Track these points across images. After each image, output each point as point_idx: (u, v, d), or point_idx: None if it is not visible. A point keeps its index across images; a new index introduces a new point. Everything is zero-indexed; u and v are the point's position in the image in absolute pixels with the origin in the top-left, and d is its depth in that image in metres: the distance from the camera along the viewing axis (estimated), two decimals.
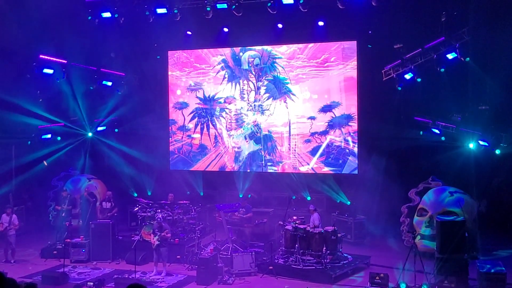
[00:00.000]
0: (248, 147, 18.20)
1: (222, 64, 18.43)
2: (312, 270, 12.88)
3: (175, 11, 16.09)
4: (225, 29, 17.68)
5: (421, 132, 15.81)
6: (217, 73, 18.50)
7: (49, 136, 18.56)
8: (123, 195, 17.83)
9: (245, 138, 18.21)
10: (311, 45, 17.31)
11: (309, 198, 17.24)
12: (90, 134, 19.18)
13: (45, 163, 18.30)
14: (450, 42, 14.48)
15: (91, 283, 12.21)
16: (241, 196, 17.54)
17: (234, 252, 13.56)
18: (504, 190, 15.46)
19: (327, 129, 17.25)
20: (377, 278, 11.88)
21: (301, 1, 14.96)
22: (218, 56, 18.47)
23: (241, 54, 18.18)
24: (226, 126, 18.50)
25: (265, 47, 17.86)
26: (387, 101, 16.06)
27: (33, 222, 17.64)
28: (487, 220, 14.47)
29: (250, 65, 18.07)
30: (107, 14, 16.44)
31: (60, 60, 17.17)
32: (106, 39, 17.17)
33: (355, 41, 16.80)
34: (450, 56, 14.51)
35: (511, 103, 14.04)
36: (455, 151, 15.04)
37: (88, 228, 15.06)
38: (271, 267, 13.11)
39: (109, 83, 18.52)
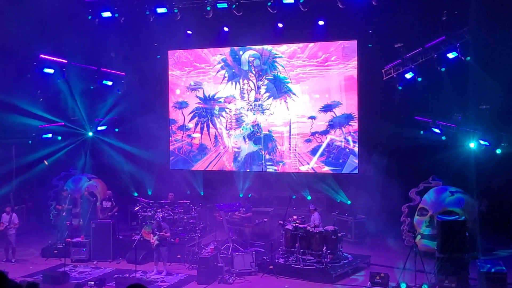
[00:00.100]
0: (247, 148, 18.20)
1: (222, 64, 18.43)
2: (312, 270, 12.88)
3: (175, 10, 16.09)
4: (225, 29, 17.67)
5: (421, 132, 15.79)
6: (217, 72, 18.50)
7: (49, 135, 18.56)
8: (124, 194, 17.83)
9: (244, 139, 18.21)
10: (311, 44, 17.30)
11: (309, 198, 17.23)
12: (90, 134, 19.18)
13: (45, 162, 18.31)
14: (450, 42, 14.47)
15: (92, 283, 12.24)
16: (241, 195, 17.53)
17: (234, 252, 13.57)
18: (504, 190, 15.45)
19: (328, 129, 17.24)
20: (378, 277, 11.89)
21: (301, 1, 14.93)
22: (218, 55, 18.47)
23: (241, 53, 18.18)
24: (226, 125, 18.50)
25: (265, 46, 17.85)
26: (388, 100, 16.04)
27: (33, 222, 17.63)
28: (488, 220, 14.45)
29: (250, 64, 18.06)
30: (107, 14, 16.43)
31: (61, 60, 17.16)
32: (106, 38, 17.15)
33: (356, 41, 16.79)
34: (450, 55, 14.50)
35: None
36: (456, 151, 15.03)
37: (89, 228, 15.07)
38: (271, 267, 13.11)
39: (109, 83, 18.51)
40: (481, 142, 14.60)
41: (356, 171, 16.96)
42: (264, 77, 17.93)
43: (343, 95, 17.04)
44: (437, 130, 15.49)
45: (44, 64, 17.00)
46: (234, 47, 18.16)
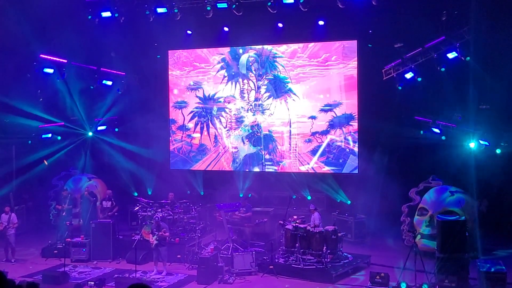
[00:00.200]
0: (246, 149, 18.18)
1: (222, 63, 18.42)
2: (312, 270, 12.88)
3: (175, 10, 16.10)
4: (225, 29, 17.68)
5: (421, 132, 15.80)
6: (217, 72, 18.50)
7: (49, 135, 18.56)
8: (124, 194, 17.83)
9: (242, 140, 18.20)
10: (311, 44, 17.31)
11: (309, 198, 17.23)
12: (90, 134, 19.18)
13: (45, 162, 18.30)
14: (450, 42, 14.47)
15: (92, 283, 12.22)
16: (241, 195, 17.52)
17: (234, 252, 13.56)
18: (504, 190, 15.44)
19: (328, 129, 17.24)
20: (378, 277, 11.87)
21: (301, 1, 14.95)
22: (218, 55, 18.47)
23: (240, 52, 18.17)
24: (226, 125, 18.49)
25: (265, 46, 17.85)
26: (388, 100, 16.05)
27: (33, 222, 17.64)
28: (488, 220, 14.46)
29: (250, 64, 18.06)
30: (107, 14, 16.44)
31: (60, 60, 17.17)
32: (106, 38, 17.15)
33: (356, 41, 16.80)
34: (450, 55, 14.51)
35: None
36: (456, 151, 15.02)
37: (89, 228, 15.06)
38: (271, 267, 13.10)
39: (109, 83, 18.51)
40: (481, 142, 14.60)
41: (356, 171, 16.96)
42: (264, 77, 17.93)
43: (343, 95, 17.04)
44: (437, 130, 15.49)
45: (44, 64, 17.01)
46: (234, 47, 18.15)
